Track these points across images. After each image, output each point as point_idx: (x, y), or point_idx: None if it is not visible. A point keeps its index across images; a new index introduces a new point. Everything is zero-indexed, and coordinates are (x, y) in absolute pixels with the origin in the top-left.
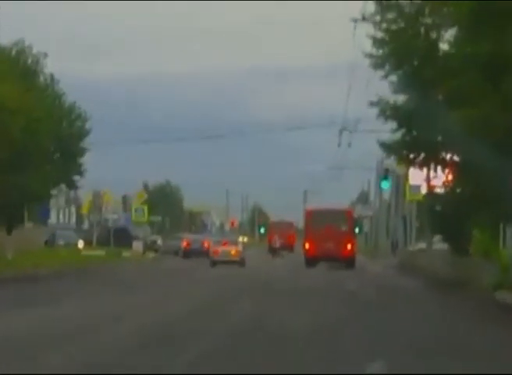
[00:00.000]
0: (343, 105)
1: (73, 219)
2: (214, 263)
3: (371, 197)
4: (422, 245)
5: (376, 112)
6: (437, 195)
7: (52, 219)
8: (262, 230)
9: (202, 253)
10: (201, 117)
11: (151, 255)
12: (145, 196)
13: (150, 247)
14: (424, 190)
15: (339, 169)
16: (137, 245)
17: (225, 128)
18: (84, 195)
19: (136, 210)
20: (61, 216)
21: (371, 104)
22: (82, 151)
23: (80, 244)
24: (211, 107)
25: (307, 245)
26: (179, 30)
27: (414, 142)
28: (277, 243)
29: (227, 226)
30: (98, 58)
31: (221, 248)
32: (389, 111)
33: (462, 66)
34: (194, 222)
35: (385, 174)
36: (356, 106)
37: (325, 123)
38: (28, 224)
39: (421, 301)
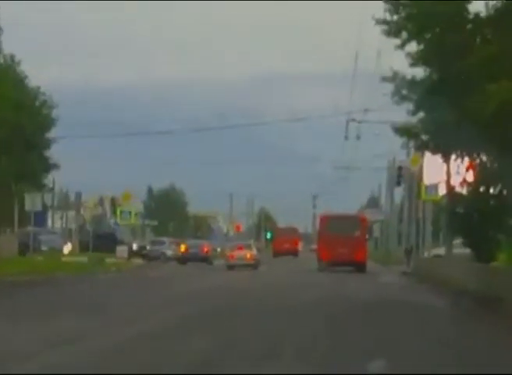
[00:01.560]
0: (349, 95)
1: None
2: (230, 267)
3: (382, 200)
4: (438, 251)
5: (389, 97)
6: (459, 195)
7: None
8: (269, 236)
9: (200, 259)
10: (204, 120)
11: (137, 261)
12: (132, 197)
13: (137, 252)
14: (441, 190)
15: (347, 169)
16: (122, 250)
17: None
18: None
19: (122, 212)
20: (59, 221)
21: (384, 79)
22: (47, 143)
23: (66, 249)
24: (215, 110)
25: (320, 250)
26: (182, 36)
27: (436, 126)
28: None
29: (231, 232)
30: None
31: (236, 253)
32: (405, 88)
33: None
34: (200, 227)
35: (398, 172)
36: (363, 98)
37: (329, 114)
38: (29, 228)
39: (462, 332)
